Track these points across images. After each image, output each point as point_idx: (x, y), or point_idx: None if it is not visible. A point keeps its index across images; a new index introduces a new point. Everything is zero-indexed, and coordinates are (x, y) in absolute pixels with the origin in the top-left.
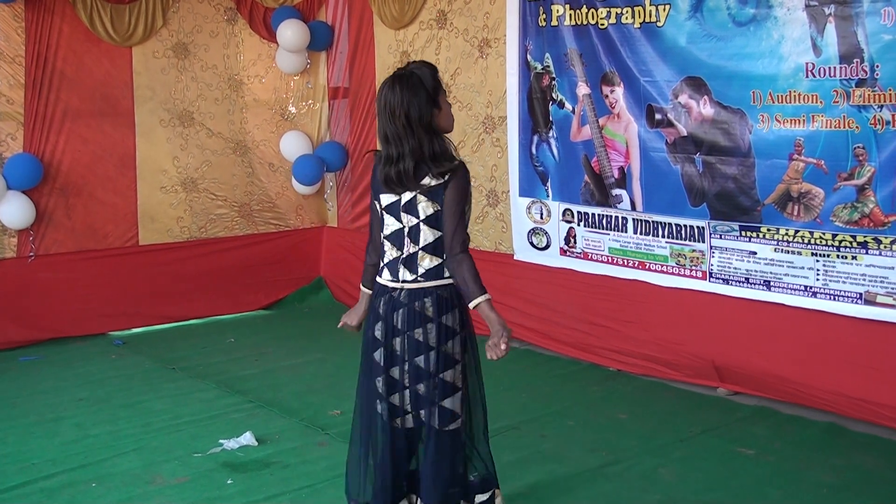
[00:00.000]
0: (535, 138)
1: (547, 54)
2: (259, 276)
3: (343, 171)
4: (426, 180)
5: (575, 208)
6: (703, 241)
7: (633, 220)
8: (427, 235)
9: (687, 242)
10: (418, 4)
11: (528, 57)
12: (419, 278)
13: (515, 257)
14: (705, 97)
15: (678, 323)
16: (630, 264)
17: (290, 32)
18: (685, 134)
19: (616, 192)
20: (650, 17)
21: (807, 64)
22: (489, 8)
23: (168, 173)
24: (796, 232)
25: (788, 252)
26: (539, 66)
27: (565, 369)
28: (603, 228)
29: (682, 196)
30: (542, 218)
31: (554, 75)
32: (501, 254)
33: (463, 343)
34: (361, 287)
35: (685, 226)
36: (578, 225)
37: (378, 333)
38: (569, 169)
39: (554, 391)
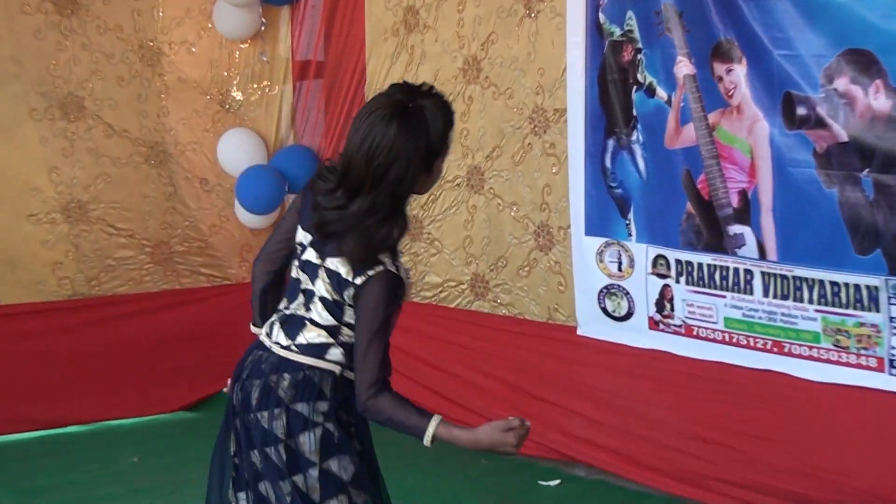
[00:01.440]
0: (611, 143)
1: (630, 13)
2: (182, 358)
3: None
4: (337, 261)
5: (672, 255)
6: (878, 310)
7: (763, 274)
8: (319, 313)
9: (851, 312)
10: None
11: (601, 17)
12: (293, 347)
13: (579, 332)
14: (877, 82)
15: (840, 440)
16: (760, 345)
17: None
18: (845, 139)
19: (735, 229)
20: None
21: None
22: None
23: (41, 193)
24: None
25: None
26: (617, 32)
27: None
28: (715, 287)
29: (843, 237)
30: (620, 270)
31: (640, 46)
32: (557, 325)
33: (323, 440)
34: (251, 327)
35: (847, 285)
36: (678, 281)
37: (234, 399)
38: (662, 192)
39: None
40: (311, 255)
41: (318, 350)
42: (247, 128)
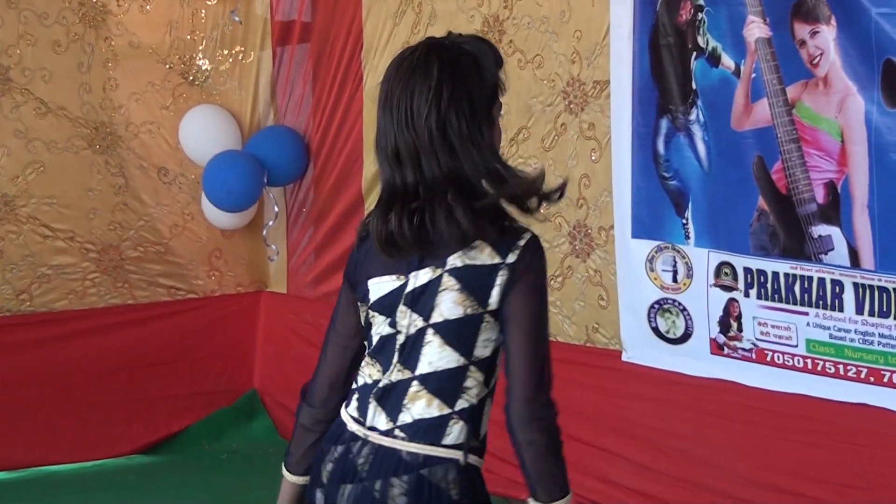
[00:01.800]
0: (665, 124)
1: None
2: (136, 389)
3: (299, 185)
4: (468, 253)
5: (740, 262)
6: None
7: (856, 285)
8: (434, 355)
9: None
10: None
11: None
12: (398, 431)
13: (625, 357)
14: None
15: None
16: (851, 374)
17: None
18: None
19: (820, 230)
20: None
21: None
22: None
23: None
24: None
25: None
26: None
27: None
28: (795, 302)
29: None
30: (675, 280)
31: (702, 2)
32: (597, 350)
33: None
34: (284, 471)
35: None
36: (747, 295)
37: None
38: (728, 185)
39: None
40: (408, 290)
41: (433, 431)
42: (216, 104)
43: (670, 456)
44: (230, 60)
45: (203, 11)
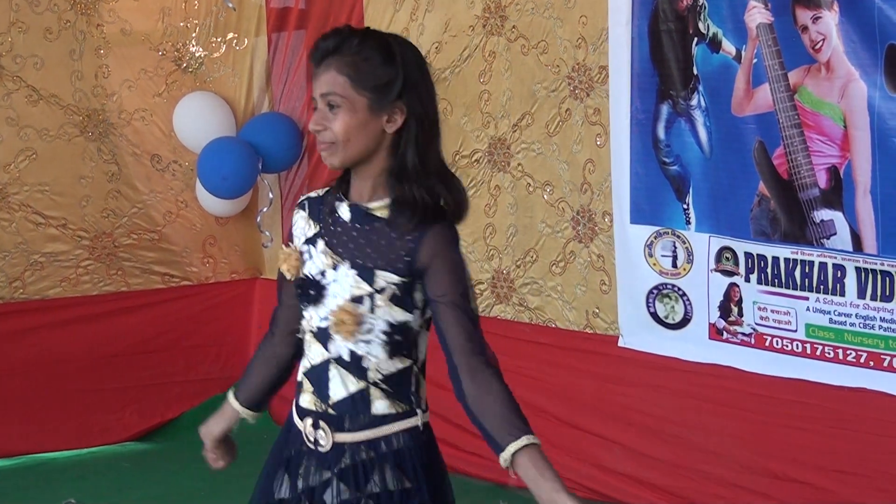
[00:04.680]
0: (665, 109)
1: None
2: (130, 377)
3: (293, 172)
4: None
5: (740, 247)
6: None
7: (858, 270)
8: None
9: None
10: None
11: None
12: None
13: (622, 343)
14: None
15: None
16: (851, 359)
17: None
18: None
19: (822, 215)
20: None
21: None
22: None
23: None
24: None
25: None
26: None
27: None
28: (795, 287)
29: None
30: (675, 266)
31: None
32: (597, 336)
33: None
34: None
35: None
36: (747, 280)
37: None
38: (729, 170)
39: None
40: None
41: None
42: (209, 91)
43: (667, 442)
44: (224, 47)
45: None
